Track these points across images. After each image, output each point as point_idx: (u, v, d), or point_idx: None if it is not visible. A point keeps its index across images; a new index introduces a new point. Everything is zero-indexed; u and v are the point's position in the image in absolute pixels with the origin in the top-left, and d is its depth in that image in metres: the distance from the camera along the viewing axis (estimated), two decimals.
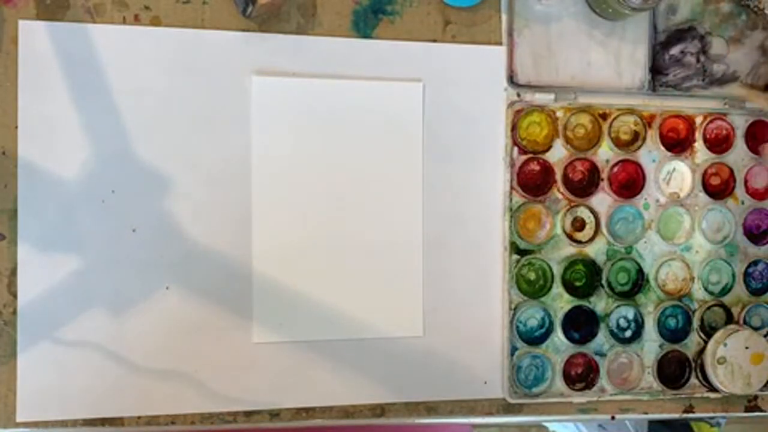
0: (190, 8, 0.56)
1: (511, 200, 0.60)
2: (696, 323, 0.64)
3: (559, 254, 0.61)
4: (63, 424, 0.54)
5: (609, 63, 0.62)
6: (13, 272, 0.53)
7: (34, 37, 0.53)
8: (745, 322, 0.65)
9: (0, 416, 0.53)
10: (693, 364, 0.64)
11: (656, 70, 0.62)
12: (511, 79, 0.60)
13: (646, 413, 0.64)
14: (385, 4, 0.58)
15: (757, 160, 0.64)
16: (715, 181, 0.65)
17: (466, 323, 0.60)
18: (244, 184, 0.56)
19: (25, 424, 0.53)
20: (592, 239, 0.62)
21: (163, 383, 0.55)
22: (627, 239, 0.62)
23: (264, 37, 0.57)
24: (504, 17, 0.60)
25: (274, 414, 0.57)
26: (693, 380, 0.64)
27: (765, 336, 0.63)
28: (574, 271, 0.62)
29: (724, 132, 0.64)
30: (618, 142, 0.62)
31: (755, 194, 0.65)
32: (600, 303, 0.62)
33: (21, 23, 0.53)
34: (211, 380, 0.56)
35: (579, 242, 0.62)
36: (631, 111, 0.62)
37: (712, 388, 0.63)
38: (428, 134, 0.59)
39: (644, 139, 0.62)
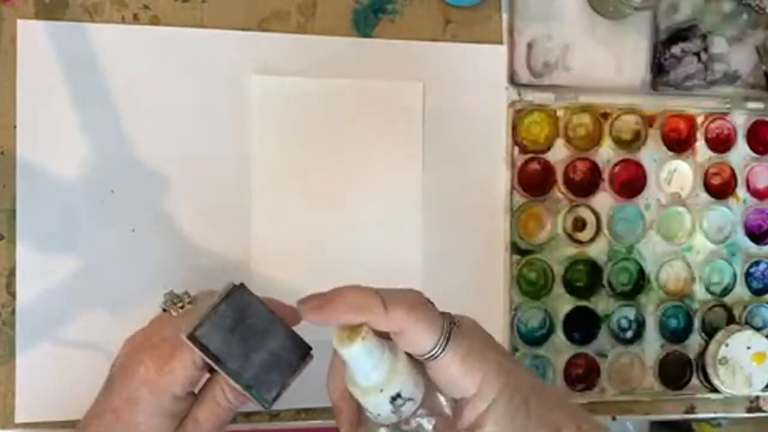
0: (189, 7, 0.55)
1: (511, 200, 0.60)
2: (697, 323, 0.64)
3: (559, 254, 0.61)
4: (62, 424, 0.53)
5: (610, 62, 0.62)
6: (12, 272, 0.53)
7: (33, 36, 0.53)
8: (746, 323, 0.64)
9: None
10: (694, 365, 0.63)
11: (657, 69, 0.62)
12: (512, 79, 0.60)
13: (647, 414, 0.64)
14: (385, 3, 0.58)
15: (759, 160, 0.64)
16: (716, 180, 0.64)
17: None
18: (244, 183, 0.56)
19: (24, 425, 0.53)
20: (593, 239, 0.62)
21: None
22: (628, 239, 0.62)
23: (264, 37, 0.56)
24: (504, 16, 0.60)
25: (274, 414, 0.57)
26: (694, 381, 0.64)
27: (766, 336, 0.62)
28: (575, 272, 0.62)
29: (726, 131, 0.64)
30: (619, 142, 0.62)
31: (756, 194, 0.65)
32: (601, 303, 0.62)
33: (20, 22, 0.53)
34: None
35: (580, 242, 0.61)
36: (632, 110, 0.62)
37: (714, 389, 0.63)
38: (428, 134, 0.59)
39: (645, 138, 0.62)
